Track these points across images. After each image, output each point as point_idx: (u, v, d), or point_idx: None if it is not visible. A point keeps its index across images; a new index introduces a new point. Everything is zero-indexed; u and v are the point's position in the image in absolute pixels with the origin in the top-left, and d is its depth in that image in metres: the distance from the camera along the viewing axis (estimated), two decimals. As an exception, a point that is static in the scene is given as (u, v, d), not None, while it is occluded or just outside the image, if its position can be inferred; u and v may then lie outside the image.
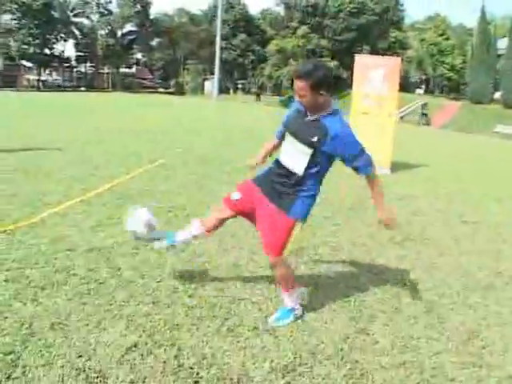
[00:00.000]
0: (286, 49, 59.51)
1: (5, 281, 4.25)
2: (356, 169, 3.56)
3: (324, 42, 58.83)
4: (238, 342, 3.52)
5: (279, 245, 3.66)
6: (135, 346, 3.36)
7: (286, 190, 3.66)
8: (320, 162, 3.57)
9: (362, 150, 3.53)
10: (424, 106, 45.18)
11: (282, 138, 3.92)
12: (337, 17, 58.86)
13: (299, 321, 3.88)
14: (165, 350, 3.35)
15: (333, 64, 56.27)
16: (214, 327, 3.68)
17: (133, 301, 4.00)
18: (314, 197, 3.72)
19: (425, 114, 43.23)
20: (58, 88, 66.13)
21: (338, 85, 54.80)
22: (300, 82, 3.38)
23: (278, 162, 3.78)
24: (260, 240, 3.94)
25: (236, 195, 4.00)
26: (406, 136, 22.38)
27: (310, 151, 3.51)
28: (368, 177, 3.61)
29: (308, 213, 3.76)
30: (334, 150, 3.47)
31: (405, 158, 13.38)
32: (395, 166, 11.64)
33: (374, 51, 53.90)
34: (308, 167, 3.56)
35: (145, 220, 4.09)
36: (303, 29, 59.12)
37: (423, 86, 70.93)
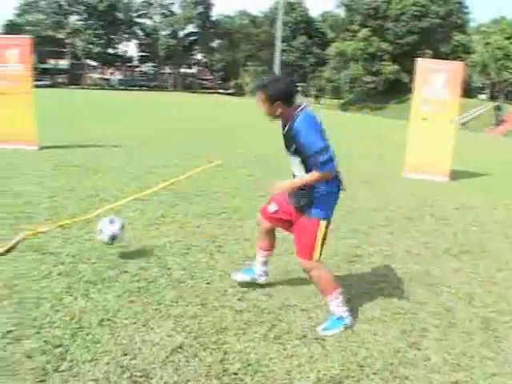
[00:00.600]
0: (346, 52, 58.83)
1: (58, 274, 4.33)
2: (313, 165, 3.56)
3: (385, 46, 57.80)
4: (285, 349, 3.44)
5: (308, 248, 3.70)
6: (181, 347, 3.34)
7: (302, 195, 3.70)
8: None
9: (320, 150, 3.50)
10: (498, 107, 44.05)
11: None
12: (399, 19, 57.71)
13: (349, 331, 3.76)
14: (210, 353, 3.31)
15: (394, 68, 55.31)
16: (261, 333, 3.61)
17: (181, 301, 3.99)
18: (329, 194, 3.71)
19: (498, 114, 42.36)
20: (120, 87, 67.67)
21: (398, 89, 53.87)
22: (258, 93, 3.65)
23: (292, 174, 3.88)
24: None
25: (273, 207, 4.06)
26: (467, 143, 21.71)
27: (298, 159, 3.66)
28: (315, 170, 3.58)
29: (330, 211, 3.75)
30: (302, 149, 3.56)
31: (464, 165, 12.95)
32: (454, 174, 11.28)
33: (437, 55, 52.54)
34: (307, 171, 3.62)
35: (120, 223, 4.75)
36: (364, 32, 58.29)
37: (486, 92, 68.77)
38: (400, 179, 10.41)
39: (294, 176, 3.84)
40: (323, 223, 3.68)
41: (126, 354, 3.21)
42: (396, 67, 55.94)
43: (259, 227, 4.22)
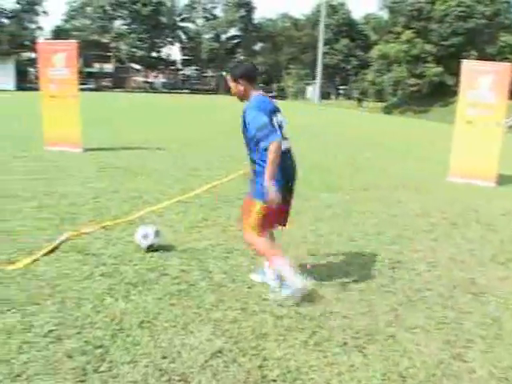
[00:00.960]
0: (389, 54, 57.97)
1: (100, 275, 4.38)
2: (258, 142, 4.00)
3: (429, 47, 56.67)
4: (325, 357, 3.36)
5: (251, 224, 4.17)
6: (220, 352, 3.31)
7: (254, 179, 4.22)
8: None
9: (262, 127, 3.94)
10: None
11: None
12: (443, 21, 56.47)
13: (391, 340, 3.65)
14: (249, 359, 3.27)
15: (438, 70, 54.25)
16: (302, 339, 3.55)
17: (221, 305, 3.96)
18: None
19: None
20: (164, 90, 68.54)
21: (442, 91, 52.82)
22: (227, 77, 4.27)
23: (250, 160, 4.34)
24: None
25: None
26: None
27: (246, 139, 4.21)
28: (266, 149, 3.94)
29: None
30: (246, 121, 4.07)
31: (512, 170, 12.58)
32: (501, 179, 10.96)
33: (482, 56, 51.18)
34: (257, 151, 4.08)
35: (154, 230, 4.99)
36: (407, 33, 57.28)
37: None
38: (445, 184, 10.18)
39: (250, 160, 4.25)
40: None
41: (165, 357, 3.20)
42: (440, 69, 54.77)
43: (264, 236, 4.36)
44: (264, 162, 3.97)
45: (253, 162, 4.20)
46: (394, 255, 5.51)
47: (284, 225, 4.56)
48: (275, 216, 4.25)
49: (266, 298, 4.15)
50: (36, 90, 27.78)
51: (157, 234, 4.99)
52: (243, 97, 4.25)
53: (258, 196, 4.07)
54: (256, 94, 4.22)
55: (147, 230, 4.99)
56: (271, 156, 3.87)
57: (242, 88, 4.19)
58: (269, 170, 3.89)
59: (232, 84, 4.23)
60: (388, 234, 6.26)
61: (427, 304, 4.34)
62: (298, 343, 3.50)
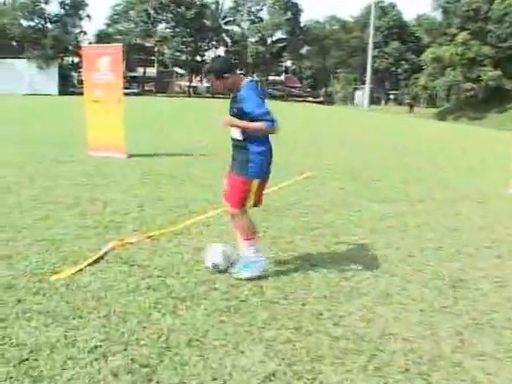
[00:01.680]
0: (443, 57, 56.99)
1: (146, 288, 4.32)
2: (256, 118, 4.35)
3: (486, 50, 55.40)
4: (386, 383, 3.22)
5: (235, 198, 4.62)
6: (273, 374, 3.18)
7: (241, 159, 4.59)
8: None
9: (261, 105, 4.40)
10: None
11: None
12: (502, 21, 55.07)
13: (457, 368, 3.46)
14: (305, 383, 3.14)
15: (495, 73, 52.95)
16: (360, 363, 3.40)
17: (274, 323, 3.85)
18: (261, 157, 4.60)
19: None
20: (208, 94, 69.16)
21: (500, 97, 51.58)
22: (209, 78, 4.61)
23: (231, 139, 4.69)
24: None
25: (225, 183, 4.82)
26: None
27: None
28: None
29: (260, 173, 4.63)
30: (245, 108, 4.35)
31: None
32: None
33: (544, 60, 49.97)
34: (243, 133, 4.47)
35: (221, 250, 4.78)
36: (463, 35, 56.16)
37: None
38: (506, 195, 9.84)
39: (232, 139, 4.64)
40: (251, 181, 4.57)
41: (215, 379, 3.10)
42: (498, 73, 53.48)
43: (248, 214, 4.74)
44: (246, 140, 4.47)
45: (235, 140, 4.61)
46: (455, 273, 5.29)
47: (258, 205, 4.88)
48: (255, 192, 4.63)
49: (321, 317, 4.02)
50: (79, 94, 28.49)
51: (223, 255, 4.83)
52: (235, 87, 4.51)
53: (240, 173, 4.52)
54: (247, 81, 4.51)
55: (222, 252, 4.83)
56: (262, 125, 4.32)
57: (230, 81, 4.49)
58: (250, 125, 4.36)
59: (218, 82, 4.51)
60: (447, 250, 6.04)
61: (495, 328, 4.11)
62: (356, 367, 3.35)
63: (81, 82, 53.88)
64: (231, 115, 4.51)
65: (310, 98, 79.23)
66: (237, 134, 4.56)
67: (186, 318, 3.82)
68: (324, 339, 3.67)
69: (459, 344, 3.73)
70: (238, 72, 4.53)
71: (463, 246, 6.27)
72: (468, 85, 55.61)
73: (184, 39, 72.62)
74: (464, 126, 43.94)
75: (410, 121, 44.30)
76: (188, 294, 4.25)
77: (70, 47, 66.81)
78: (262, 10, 79.30)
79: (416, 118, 49.92)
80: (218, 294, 4.29)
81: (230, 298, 4.23)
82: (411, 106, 61.13)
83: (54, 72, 61.48)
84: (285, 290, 4.49)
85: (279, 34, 79.31)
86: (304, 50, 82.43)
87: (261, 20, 78.50)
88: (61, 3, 68.75)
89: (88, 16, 70.77)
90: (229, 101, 4.66)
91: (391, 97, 76.21)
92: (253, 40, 77.89)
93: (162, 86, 73.26)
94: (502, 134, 35.03)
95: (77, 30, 70.87)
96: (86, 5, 69.94)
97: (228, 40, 79.68)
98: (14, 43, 69.05)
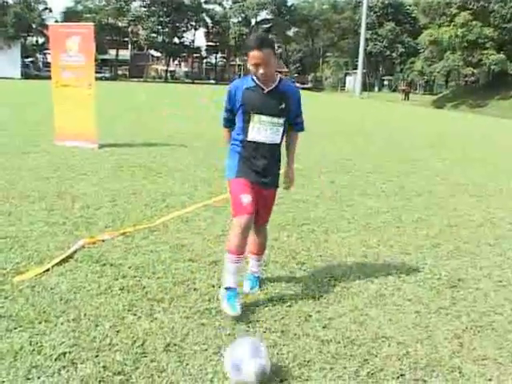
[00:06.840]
0: (442, 40, 57.24)
1: (120, 289, 4.33)
2: (296, 124, 4.32)
3: (488, 31, 55.63)
4: (380, 390, 3.26)
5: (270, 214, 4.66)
6: (258, 381, 3.22)
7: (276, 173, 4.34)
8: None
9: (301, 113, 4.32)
10: None
11: (230, 124, 4.33)
12: (506, 0, 55.48)
13: (456, 373, 3.49)
14: (292, 390, 3.18)
15: (499, 57, 53.29)
16: (352, 369, 3.43)
17: (259, 326, 3.88)
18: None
19: None
20: (187, 80, 68.99)
21: (503, 82, 51.95)
22: (266, 50, 3.81)
23: (254, 145, 4.13)
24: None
25: (248, 198, 4.11)
26: None
27: (281, 120, 4.11)
28: (297, 133, 4.42)
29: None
30: (295, 109, 4.19)
31: None
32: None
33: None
34: (282, 134, 4.20)
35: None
36: (463, 15, 56.33)
37: None
38: (509, 189, 9.95)
39: (255, 145, 4.11)
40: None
41: (195, 387, 3.13)
42: (502, 56, 53.76)
43: (248, 229, 4.19)
44: (235, 140, 4.20)
45: (265, 145, 4.19)
46: (454, 272, 5.36)
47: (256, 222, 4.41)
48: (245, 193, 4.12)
49: (309, 319, 4.06)
50: (44, 78, 28.21)
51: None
52: (272, 78, 4.05)
53: (277, 184, 4.39)
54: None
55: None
56: (298, 139, 4.42)
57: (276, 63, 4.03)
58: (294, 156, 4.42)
59: (273, 60, 3.89)
60: (446, 247, 6.11)
61: (497, 331, 4.18)
62: (347, 373, 3.39)
63: (47, 64, 53.40)
64: (276, 114, 4.06)
65: (298, 84, 79.33)
66: (274, 137, 4.16)
67: (163, 321, 3.83)
68: (313, 343, 3.71)
69: (458, 348, 3.78)
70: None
71: (463, 242, 6.36)
72: (468, 70, 55.95)
73: (160, 19, 72.32)
74: (464, 114, 44.27)
75: (405, 108, 44.60)
76: (165, 295, 4.26)
77: (34, 25, 66.04)
78: (245, -13, 79.29)
79: (412, 106, 50.20)
80: (197, 294, 4.31)
81: (211, 299, 4.25)
82: (406, 93, 61.37)
83: (16, 53, 60.67)
84: (270, 290, 4.53)
85: (264, 14, 79.41)
86: (291, 32, 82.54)
87: (244, -1, 78.46)
88: (23, -25, 67.88)
89: (53, -9, 70.16)
90: (225, 92, 4.31)
91: (385, 83, 76.61)
92: (235, 20, 77.79)
93: (136, 70, 72.99)
94: (504, 122, 35.36)
95: (41, 7, 70.12)
96: (52, -22, 69.33)
97: (208, 20, 79.40)
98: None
